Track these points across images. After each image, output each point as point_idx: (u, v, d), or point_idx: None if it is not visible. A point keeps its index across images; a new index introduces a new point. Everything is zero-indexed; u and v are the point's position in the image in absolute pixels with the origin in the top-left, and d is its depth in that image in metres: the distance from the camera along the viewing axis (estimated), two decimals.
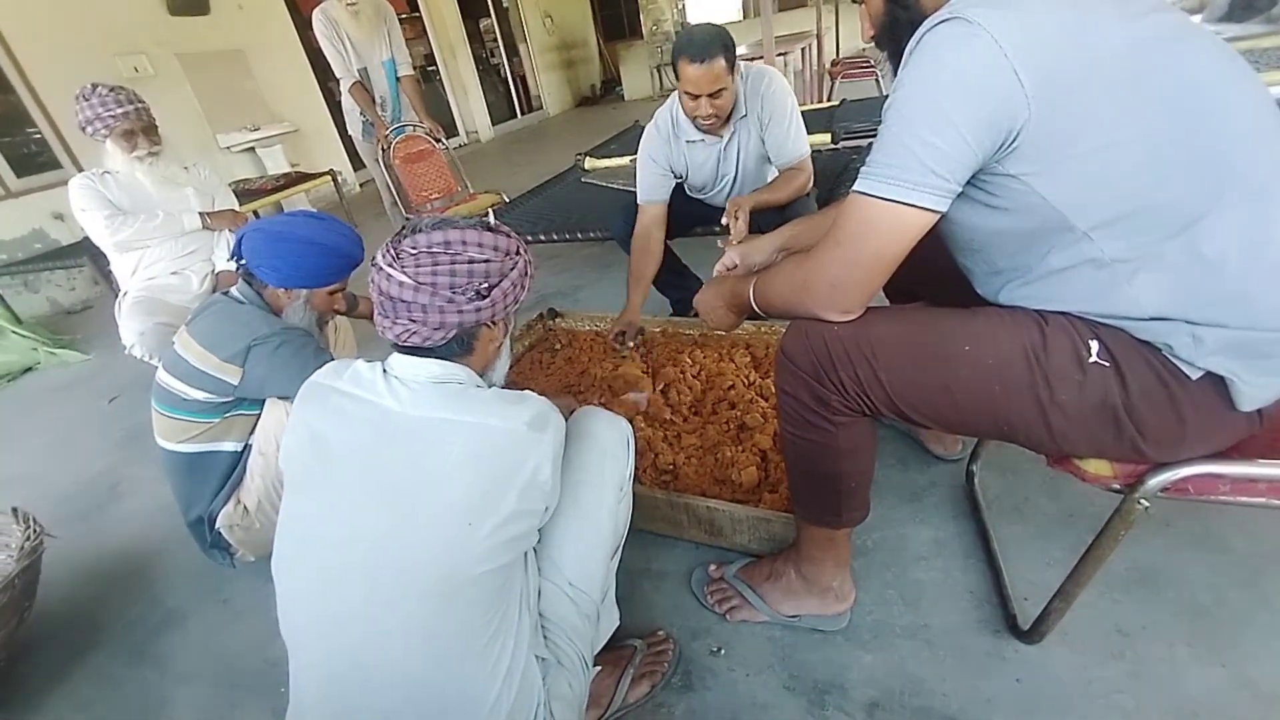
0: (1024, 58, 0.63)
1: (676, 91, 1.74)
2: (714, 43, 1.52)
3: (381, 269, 0.77)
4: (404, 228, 0.80)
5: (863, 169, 0.74)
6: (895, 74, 0.77)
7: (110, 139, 1.90)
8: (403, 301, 0.76)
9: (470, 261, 0.77)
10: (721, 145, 1.79)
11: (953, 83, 0.66)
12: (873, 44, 0.90)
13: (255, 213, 3.89)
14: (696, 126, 1.74)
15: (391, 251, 0.78)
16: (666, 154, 1.83)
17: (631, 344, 1.87)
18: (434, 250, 0.76)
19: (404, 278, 0.75)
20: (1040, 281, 0.75)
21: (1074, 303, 0.73)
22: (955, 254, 0.87)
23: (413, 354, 0.79)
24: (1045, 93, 0.63)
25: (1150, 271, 0.68)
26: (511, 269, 0.81)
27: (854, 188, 0.75)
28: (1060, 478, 0.86)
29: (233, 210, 2.21)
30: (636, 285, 1.90)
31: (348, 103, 3.26)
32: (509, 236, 0.83)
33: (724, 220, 1.72)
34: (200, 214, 2.08)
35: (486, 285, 0.78)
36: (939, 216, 0.72)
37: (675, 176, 1.89)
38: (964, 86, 0.65)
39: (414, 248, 0.76)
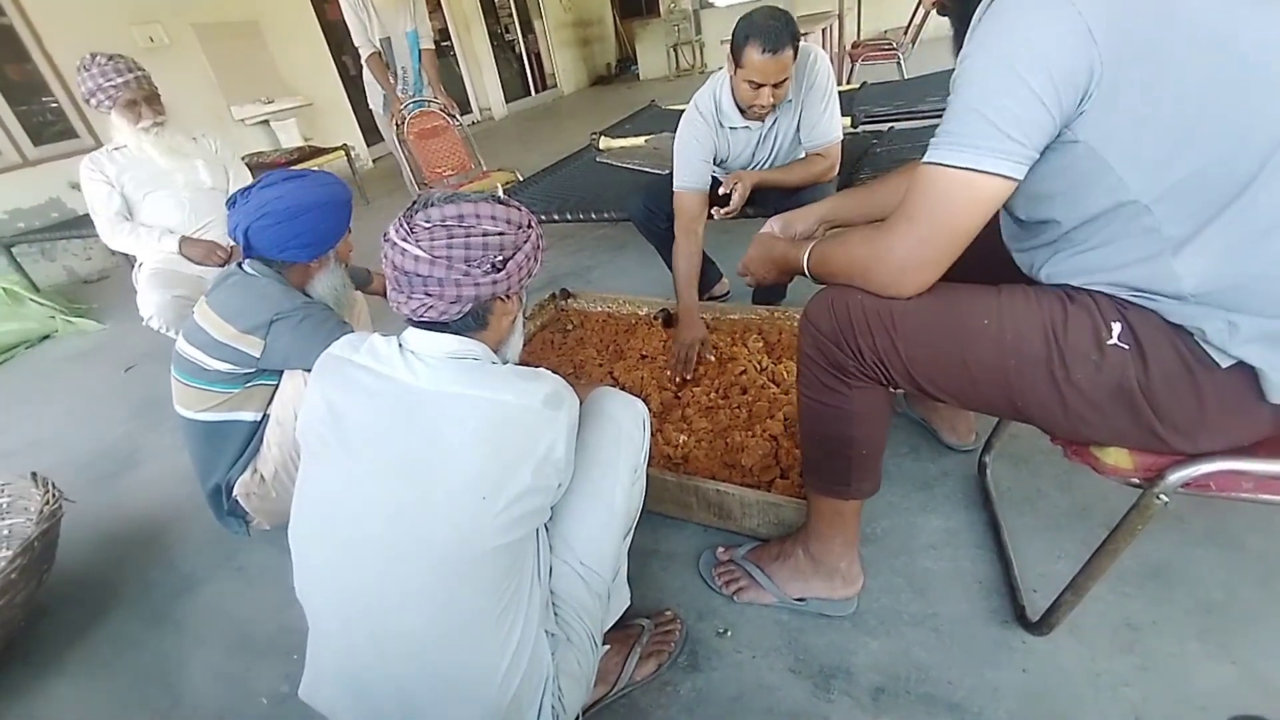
0: (1098, 15, 0.61)
1: (722, 76, 1.69)
2: (785, 31, 1.47)
3: (396, 244, 0.76)
4: (415, 202, 0.80)
5: (932, 140, 0.72)
6: (957, 44, 0.74)
7: (114, 110, 1.90)
8: (418, 276, 0.75)
9: (485, 234, 0.77)
10: (763, 130, 1.76)
11: (1025, 43, 0.63)
12: (935, 9, 0.87)
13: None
14: (748, 114, 1.68)
15: (405, 226, 0.77)
16: (711, 140, 1.75)
17: (702, 362, 1.71)
18: (448, 224, 0.76)
19: (419, 251, 0.75)
20: (1090, 252, 0.73)
21: (1115, 273, 0.71)
22: (1004, 225, 0.85)
23: (428, 329, 0.79)
24: (1118, 51, 0.61)
25: (1197, 246, 0.65)
26: (525, 242, 0.81)
27: (924, 159, 0.72)
28: (1074, 470, 0.86)
29: (210, 242, 2.01)
30: (690, 286, 1.74)
31: (369, 75, 3.24)
32: (520, 210, 0.82)
33: (722, 190, 1.71)
34: (181, 239, 1.99)
35: (502, 258, 0.78)
36: (1016, 185, 0.69)
37: (716, 163, 1.84)
38: (1037, 46, 0.63)
39: (428, 221, 0.76)
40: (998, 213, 0.77)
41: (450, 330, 0.79)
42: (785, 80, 1.55)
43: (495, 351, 0.84)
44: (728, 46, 1.59)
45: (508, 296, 0.82)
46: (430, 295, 0.76)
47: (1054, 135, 0.67)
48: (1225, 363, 0.68)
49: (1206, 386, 0.69)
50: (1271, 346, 0.66)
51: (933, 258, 0.75)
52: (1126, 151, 0.65)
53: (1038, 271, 0.81)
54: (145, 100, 1.93)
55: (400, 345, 0.80)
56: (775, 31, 1.47)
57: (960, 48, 0.71)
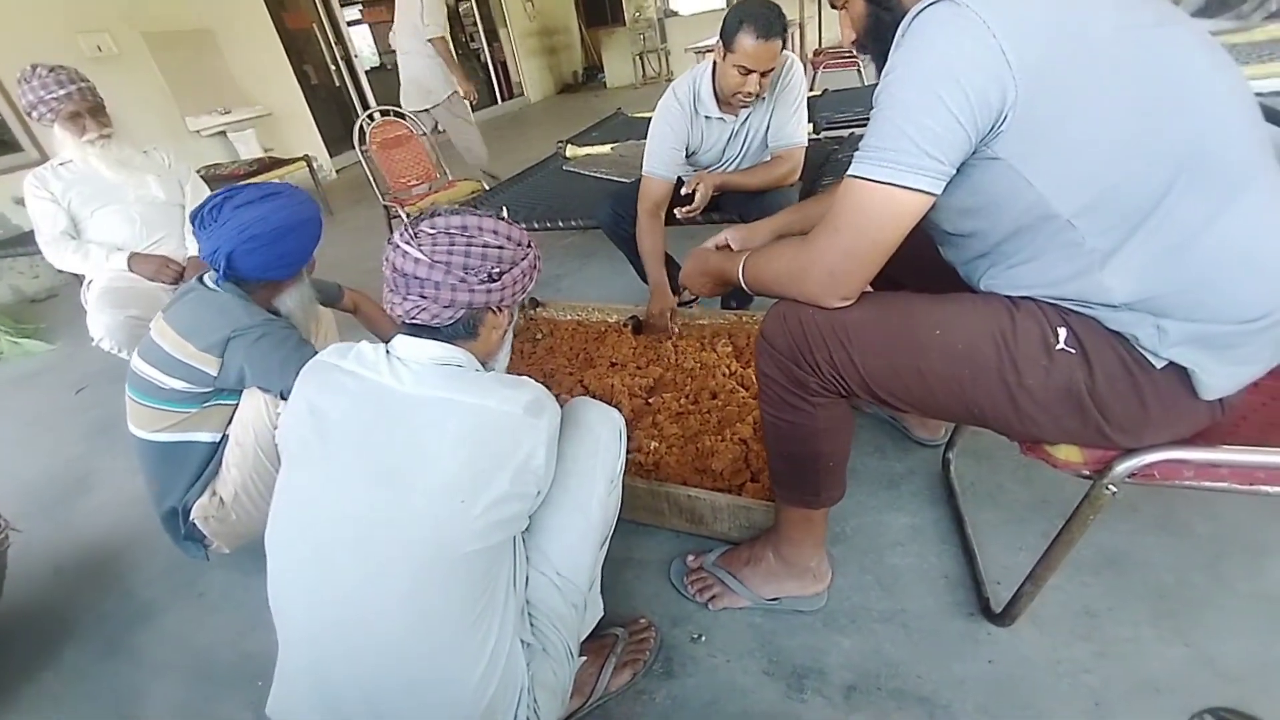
0: (1012, 39, 0.63)
1: (703, 65, 1.72)
2: (778, 19, 1.51)
3: (399, 247, 0.80)
4: (423, 213, 0.84)
5: (857, 153, 0.74)
6: (879, 74, 0.76)
7: (57, 123, 1.83)
8: (416, 278, 0.78)
9: (485, 246, 0.80)
10: (736, 125, 1.79)
11: (942, 63, 0.66)
12: (854, 48, 0.90)
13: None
14: (732, 103, 1.70)
15: (410, 231, 0.80)
16: (685, 128, 1.78)
17: (677, 327, 1.83)
18: (451, 232, 0.80)
19: (420, 255, 0.78)
20: (1022, 266, 0.76)
21: (1050, 288, 0.75)
22: (938, 239, 0.88)
23: (417, 335, 0.82)
24: (1031, 74, 0.64)
25: (1121, 260, 0.69)
26: (522, 259, 0.85)
27: (848, 172, 0.75)
28: (1033, 465, 0.88)
29: (162, 258, 1.98)
30: (658, 262, 1.82)
31: (427, 58, 3.45)
32: (521, 230, 0.87)
33: (684, 190, 1.74)
34: (130, 254, 1.95)
35: (498, 270, 0.81)
36: (933, 199, 0.72)
37: (686, 155, 1.86)
38: (953, 67, 0.65)
39: (432, 229, 0.80)
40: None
41: (440, 337, 0.82)
42: (772, 69, 1.58)
43: (482, 364, 0.87)
44: (692, 53, 1.64)
45: (500, 309, 0.85)
46: (425, 298, 0.79)
47: (969, 152, 0.70)
48: (1159, 364, 0.71)
49: (1146, 387, 0.73)
50: (1197, 348, 0.70)
51: (856, 269, 0.79)
52: (1044, 169, 0.68)
53: (977, 283, 0.84)
54: (89, 112, 1.86)
55: (387, 352, 0.82)
56: (769, 19, 1.51)
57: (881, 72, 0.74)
